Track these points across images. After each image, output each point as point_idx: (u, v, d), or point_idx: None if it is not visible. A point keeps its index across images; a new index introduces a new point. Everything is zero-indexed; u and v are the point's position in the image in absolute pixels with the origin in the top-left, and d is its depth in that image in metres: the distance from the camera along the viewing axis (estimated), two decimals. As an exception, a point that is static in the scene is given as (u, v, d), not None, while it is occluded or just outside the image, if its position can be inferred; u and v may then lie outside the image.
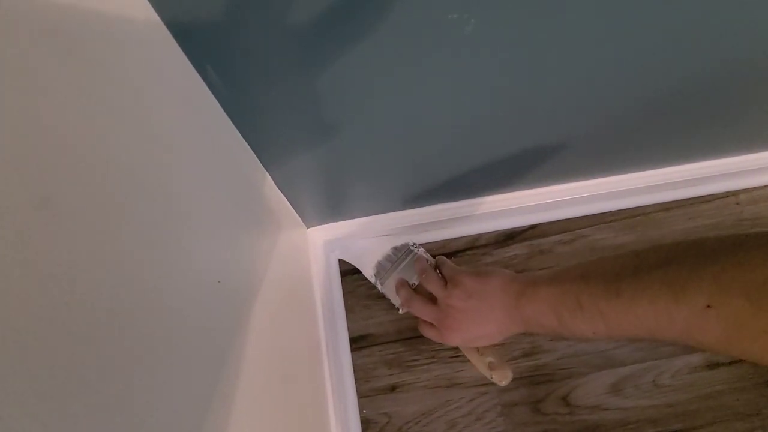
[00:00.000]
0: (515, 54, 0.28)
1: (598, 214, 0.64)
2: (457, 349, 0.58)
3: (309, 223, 0.54)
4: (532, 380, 0.57)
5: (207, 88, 0.24)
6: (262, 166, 0.36)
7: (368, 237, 0.57)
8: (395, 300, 0.53)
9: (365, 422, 0.56)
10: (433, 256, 0.55)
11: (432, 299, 0.47)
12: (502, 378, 0.46)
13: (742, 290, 0.25)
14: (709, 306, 0.26)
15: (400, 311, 0.53)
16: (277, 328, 0.38)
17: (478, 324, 0.42)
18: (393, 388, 0.57)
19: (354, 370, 0.58)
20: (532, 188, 0.57)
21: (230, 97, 0.26)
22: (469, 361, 0.49)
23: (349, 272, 0.62)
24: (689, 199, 0.65)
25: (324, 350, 0.56)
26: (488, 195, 0.57)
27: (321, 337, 0.56)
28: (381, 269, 0.55)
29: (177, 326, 0.19)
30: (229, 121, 0.28)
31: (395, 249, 0.56)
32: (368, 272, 0.56)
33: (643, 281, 0.30)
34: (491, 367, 0.46)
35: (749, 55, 0.37)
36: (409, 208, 0.56)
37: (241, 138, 0.30)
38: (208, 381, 0.21)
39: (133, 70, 0.19)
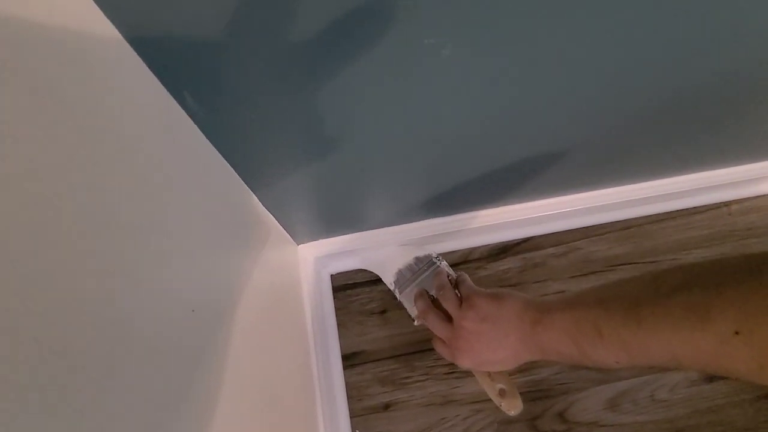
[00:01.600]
0: (494, 74, 0.28)
1: (591, 226, 0.64)
2: (452, 365, 0.58)
3: (299, 240, 0.54)
4: (528, 396, 0.56)
5: (182, 110, 0.24)
6: (246, 186, 0.36)
7: (390, 245, 0.56)
8: (412, 311, 0.52)
9: (358, 442, 0.55)
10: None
11: (449, 316, 0.46)
12: (512, 407, 0.44)
13: None
14: (737, 332, 0.24)
15: (416, 323, 0.52)
16: (265, 348, 0.37)
17: (491, 349, 0.41)
18: (387, 407, 0.56)
19: (346, 388, 0.57)
20: (524, 202, 0.57)
21: (207, 120, 0.26)
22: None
23: (341, 288, 0.62)
24: (682, 210, 0.65)
25: (314, 368, 0.55)
26: (481, 209, 0.57)
27: (311, 355, 0.55)
28: (401, 278, 0.54)
29: (148, 356, 0.18)
30: (209, 143, 0.28)
31: (417, 259, 0.55)
32: (388, 280, 0.56)
33: (665, 306, 0.28)
34: (501, 394, 0.45)
35: (741, 67, 0.37)
36: (402, 223, 0.55)
37: (223, 160, 0.30)
38: (185, 406, 0.21)
39: (103, 96, 0.19)
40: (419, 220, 0.55)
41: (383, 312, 0.60)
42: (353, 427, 0.55)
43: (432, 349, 0.58)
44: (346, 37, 0.22)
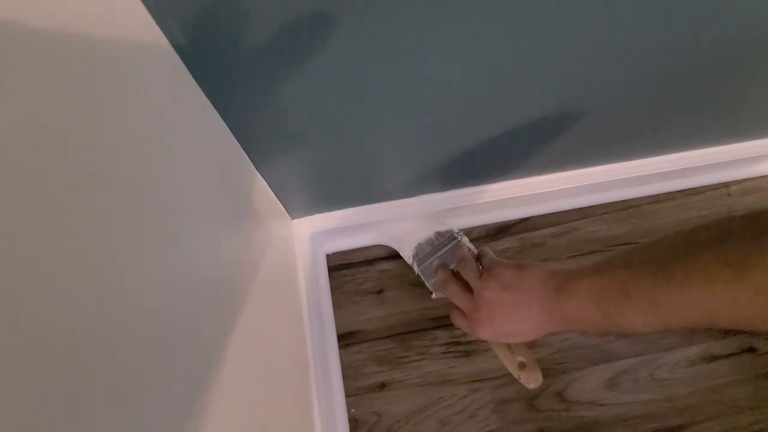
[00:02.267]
0: (498, 33, 0.28)
1: (589, 206, 0.64)
2: (449, 344, 0.57)
3: (294, 214, 0.53)
4: (526, 376, 0.55)
5: (182, 63, 0.24)
6: (241, 148, 0.35)
7: (412, 218, 0.55)
8: (430, 284, 0.52)
9: (353, 422, 0.54)
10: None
11: (469, 289, 0.44)
12: (531, 380, 0.43)
13: None
14: None
15: (434, 296, 0.51)
16: (257, 325, 0.36)
17: (512, 319, 0.39)
18: (382, 386, 0.55)
19: (342, 368, 0.56)
20: (524, 177, 0.56)
21: (201, 68, 0.25)
22: (497, 357, 0.46)
23: (337, 267, 0.61)
24: (680, 191, 0.65)
25: (309, 347, 0.54)
26: (479, 185, 0.56)
27: (306, 334, 0.54)
28: (420, 251, 0.53)
29: (148, 327, 0.18)
30: (206, 98, 0.27)
31: (438, 234, 0.55)
32: (406, 253, 0.55)
33: (697, 261, 0.27)
34: (521, 367, 0.43)
35: (744, 37, 0.37)
36: (399, 198, 0.55)
37: (218, 116, 0.29)
38: (187, 380, 0.20)
39: (108, 47, 0.18)
40: (415, 196, 0.54)
41: (380, 292, 0.59)
42: (349, 407, 0.54)
43: (429, 329, 0.58)
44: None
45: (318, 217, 0.54)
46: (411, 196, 0.54)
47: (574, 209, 0.63)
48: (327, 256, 0.61)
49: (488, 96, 0.38)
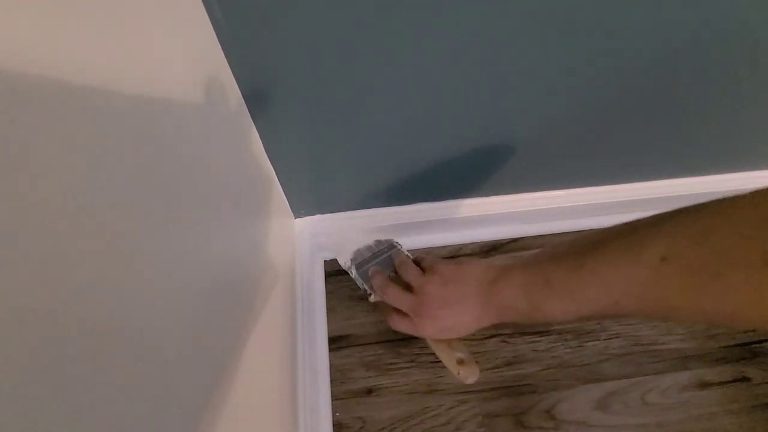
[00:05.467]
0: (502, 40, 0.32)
1: (579, 230, 0.66)
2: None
3: (297, 212, 0.56)
4: (514, 390, 0.55)
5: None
6: (250, 116, 0.39)
7: (354, 229, 0.58)
8: (367, 287, 0.52)
9: (338, 426, 0.53)
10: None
11: (409, 290, 0.45)
12: (469, 375, 0.43)
13: (693, 238, 0.26)
14: (664, 258, 0.26)
15: (371, 298, 0.51)
16: (252, 322, 0.37)
17: (454, 313, 0.41)
18: (369, 392, 0.55)
19: (330, 371, 0.56)
20: (517, 193, 0.59)
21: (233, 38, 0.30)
22: (435, 355, 0.46)
23: (334, 273, 0.63)
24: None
25: (300, 346, 0.54)
26: (474, 197, 0.59)
27: (298, 333, 0.55)
28: (358, 256, 0.54)
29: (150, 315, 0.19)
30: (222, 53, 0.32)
31: (378, 242, 0.56)
32: (344, 258, 0.55)
33: (606, 249, 0.30)
34: (460, 362, 0.44)
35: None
36: (400, 205, 0.58)
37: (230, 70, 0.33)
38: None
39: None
40: (413, 204, 0.58)
41: (373, 299, 0.61)
42: (334, 410, 0.53)
43: (419, 338, 0.58)
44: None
45: (320, 217, 0.57)
46: (410, 203, 0.57)
47: (565, 232, 0.66)
48: (325, 261, 0.63)
49: (477, 111, 0.43)
